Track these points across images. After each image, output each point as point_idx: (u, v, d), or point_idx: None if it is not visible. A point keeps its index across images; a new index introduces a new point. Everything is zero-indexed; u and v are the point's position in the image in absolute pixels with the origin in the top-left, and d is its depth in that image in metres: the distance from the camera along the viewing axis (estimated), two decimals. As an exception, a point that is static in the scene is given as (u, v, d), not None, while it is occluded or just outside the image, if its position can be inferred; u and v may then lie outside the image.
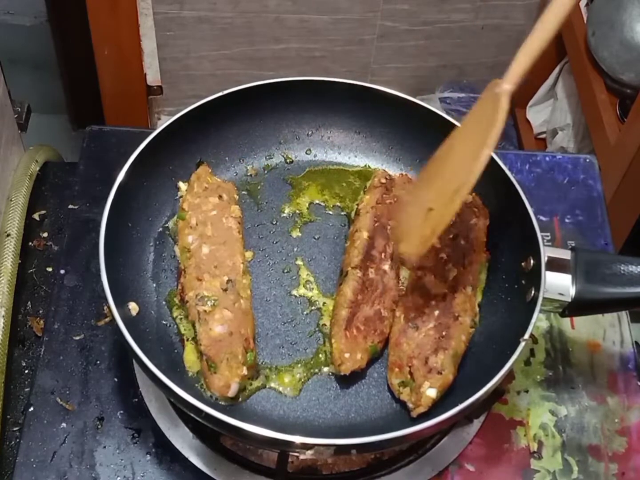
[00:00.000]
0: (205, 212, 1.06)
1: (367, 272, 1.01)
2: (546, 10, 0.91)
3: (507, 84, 0.92)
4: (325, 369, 0.99)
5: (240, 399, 0.95)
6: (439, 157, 0.99)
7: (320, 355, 1.00)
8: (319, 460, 1.00)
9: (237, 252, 1.03)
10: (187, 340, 0.99)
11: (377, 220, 1.06)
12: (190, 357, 0.97)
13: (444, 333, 0.97)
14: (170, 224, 1.08)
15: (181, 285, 1.01)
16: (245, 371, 0.94)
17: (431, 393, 0.92)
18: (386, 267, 1.03)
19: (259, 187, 1.15)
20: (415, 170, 1.17)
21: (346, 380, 0.98)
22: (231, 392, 0.93)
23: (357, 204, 1.12)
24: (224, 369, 0.92)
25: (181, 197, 1.09)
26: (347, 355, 0.95)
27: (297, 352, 1.00)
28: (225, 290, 0.98)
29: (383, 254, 1.04)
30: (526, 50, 0.93)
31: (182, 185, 1.10)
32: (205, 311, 0.96)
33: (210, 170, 1.11)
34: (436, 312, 0.99)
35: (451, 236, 1.05)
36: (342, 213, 1.14)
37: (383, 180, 1.11)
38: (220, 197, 1.08)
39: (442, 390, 0.93)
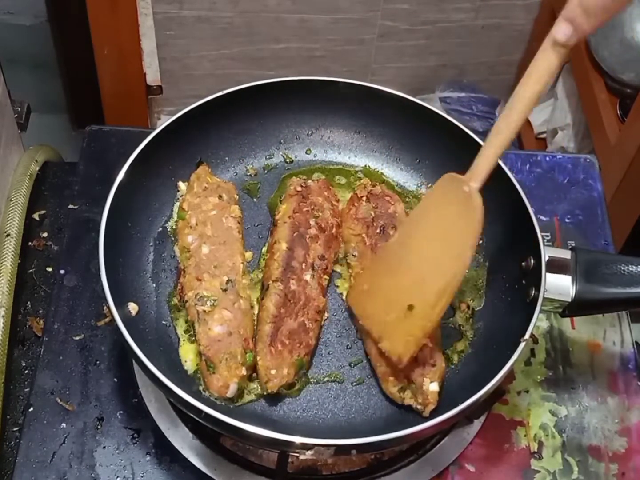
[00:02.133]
0: (205, 212, 1.06)
1: (289, 284, 0.99)
2: (508, 107, 0.90)
3: (475, 183, 0.91)
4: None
5: (239, 401, 0.95)
6: (399, 244, 0.97)
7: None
8: (319, 460, 1.00)
9: (237, 252, 1.03)
10: (185, 340, 0.99)
11: (295, 230, 1.04)
12: (186, 356, 0.98)
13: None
14: (170, 224, 1.08)
15: (180, 285, 1.01)
16: (244, 371, 0.93)
17: (434, 387, 0.93)
18: (307, 277, 1.01)
19: (258, 187, 1.15)
20: (415, 170, 1.17)
21: (346, 381, 0.98)
22: (230, 393, 0.93)
23: (275, 215, 1.09)
24: (222, 369, 0.92)
25: (181, 197, 1.09)
26: (273, 372, 0.94)
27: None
28: (225, 290, 0.98)
29: (304, 264, 1.02)
30: (494, 146, 0.91)
31: (182, 185, 1.10)
32: (204, 311, 0.96)
33: (210, 170, 1.11)
34: None
35: (378, 231, 1.05)
36: (342, 213, 1.14)
37: (299, 188, 1.09)
38: (220, 197, 1.08)
39: (441, 381, 0.93)
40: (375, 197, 1.09)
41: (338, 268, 1.08)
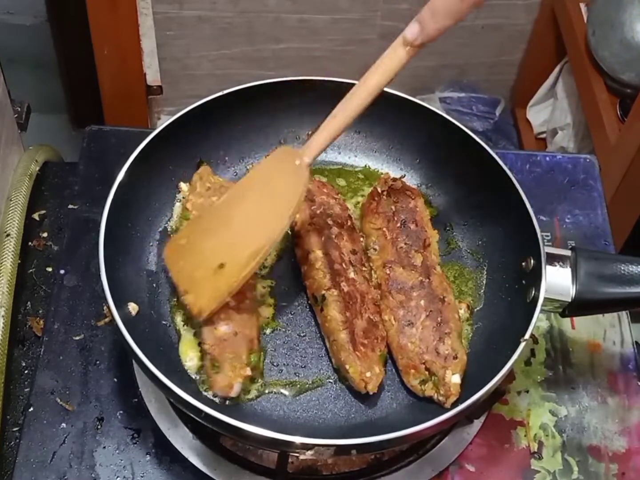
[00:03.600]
0: None
1: (341, 287, 0.99)
2: (350, 94, 0.94)
3: (308, 158, 0.95)
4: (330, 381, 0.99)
5: (241, 400, 0.95)
6: (224, 206, 1.00)
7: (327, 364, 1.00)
8: (319, 460, 1.00)
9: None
10: (184, 340, 0.99)
11: (321, 234, 1.04)
12: (186, 356, 0.98)
13: (439, 319, 0.98)
14: (171, 224, 1.08)
15: None
16: (248, 372, 0.93)
17: (456, 379, 0.94)
18: (352, 275, 1.02)
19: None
20: (415, 170, 1.17)
21: (346, 381, 0.98)
22: (234, 392, 0.93)
23: (293, 226, 1.07)
24: (227, 369, 0.92)
25: (183, 198, 1.09)
26: (368, 374, 0.94)
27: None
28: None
29: (343, 264, 1.02)
30: (330, 128, 0.95)
31: (184, 186, 1.10)
32: None
33: (211, 170, 1.11)
34: (422, 302, 0.99)
35: (399, 225, 1.06)
36: (342, 213, 1.13)
37: None
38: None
39: (463, 373, 0.94)
40: (395, 192, 1.10)
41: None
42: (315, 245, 1.03)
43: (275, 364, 0.99)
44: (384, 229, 1.07)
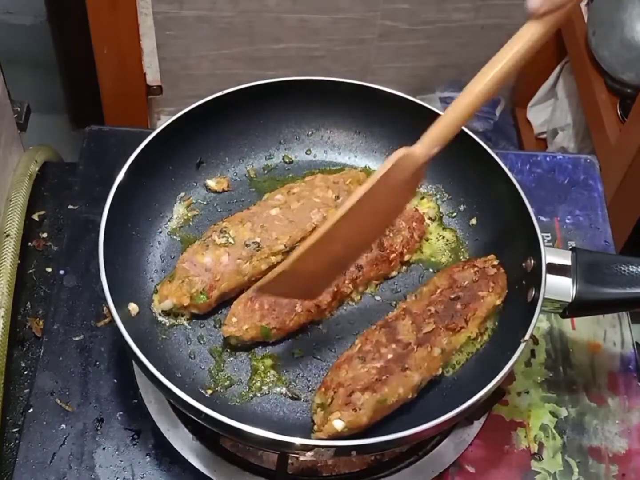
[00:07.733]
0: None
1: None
2: (474, 82, 0.88)
3: (426, 157, 0.89)
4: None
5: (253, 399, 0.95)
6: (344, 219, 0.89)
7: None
8: (319, 461, 1.00)
9: (289, 234, 1.04)
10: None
11: None
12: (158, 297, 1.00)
13: (384, 377, 0.92)
14: (172, 224, 1.08)
15: (223, 221, 1.05)
16: (186, 301, 0.97)
17: (337, 424, 0.89)
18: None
19: (259, 187, 1.15)
20: (415, 170, 1.17)
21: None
22: (162, 306, 0.98)
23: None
24: (174, 284, 0.98)
25: (184, 200, 1.11)
26: (234, 319, 0.96)
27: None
28: (247, 245, 1.01)
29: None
30: (446, 121, 0.90)
31: (211, 183, 1.13)
32: (214, 241, 1.00)
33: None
34: (389, 356, 0.94)
35: (452, 296, 1.00)
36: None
37: None
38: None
39: (351, 427, 0.90)
40: (484, 275, 1.03)
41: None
42: None
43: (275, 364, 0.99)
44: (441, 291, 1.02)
